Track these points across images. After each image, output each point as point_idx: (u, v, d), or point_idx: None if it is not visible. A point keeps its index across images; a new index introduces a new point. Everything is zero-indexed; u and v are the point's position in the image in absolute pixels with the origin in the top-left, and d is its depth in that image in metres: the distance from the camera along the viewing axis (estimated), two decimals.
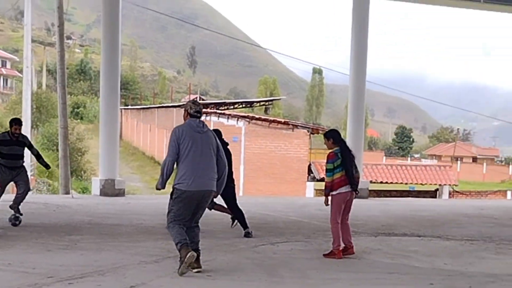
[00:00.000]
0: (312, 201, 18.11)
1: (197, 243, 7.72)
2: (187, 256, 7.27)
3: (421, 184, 35.09)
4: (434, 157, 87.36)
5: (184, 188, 7.50)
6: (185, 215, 7.57)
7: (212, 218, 13.28)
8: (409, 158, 79.68)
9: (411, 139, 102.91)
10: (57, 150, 27.30)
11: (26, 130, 29.70)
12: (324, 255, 9.09)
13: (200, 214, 7.84)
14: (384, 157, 66.32)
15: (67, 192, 22.12)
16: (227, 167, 8.02)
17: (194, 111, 7.85)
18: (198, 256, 7.62)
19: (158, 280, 7.33)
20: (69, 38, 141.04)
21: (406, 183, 34.99)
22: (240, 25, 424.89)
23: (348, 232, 9.19)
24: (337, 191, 8.97)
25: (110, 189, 17.24)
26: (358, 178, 9.25)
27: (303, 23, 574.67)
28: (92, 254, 8.76)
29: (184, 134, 7.62)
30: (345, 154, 9.03)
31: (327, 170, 9.07)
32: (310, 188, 31.25)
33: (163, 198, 19.89)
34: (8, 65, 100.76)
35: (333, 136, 9.23)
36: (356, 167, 9.17)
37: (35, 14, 50.99)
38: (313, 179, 32.61)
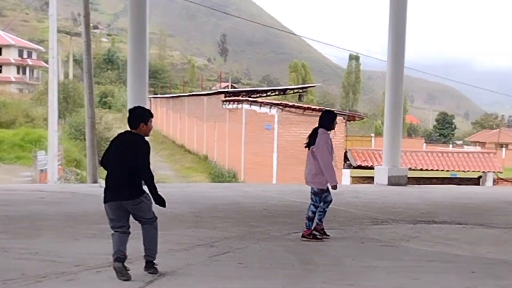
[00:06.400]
0: (348, 189, 17.61)
1: None
2: None
3: (463, 171, 33.48)
4: (477, 144, 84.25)
5: None
6: None
7: (243, 206, 13.08)
8: (451, 145, 77.59)
9: (453, 126, 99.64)
10: (85, 139, 27.30)
11: (53, 120, 29.77)
12: None
13: None
14: (425, 144, 64.60)
15: (95, 181, 22.01)
16: None
17: None
18: None
19: (187, 268, 7.19)
20: (96, 27, 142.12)
21: (447, 170, 33.53)
22: (273, 12, 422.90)
23: None
24: None
25: None
26: None
27: (339, 9, 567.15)
28: None
29: None
30: None
31: None
32: (346, 175, 30.52)
33: (194, 187, 19.71)
34: (34, 56, 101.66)
35: None
36: None
37: (61, 4, 51.06)
38: (349, 166, 31.95)
